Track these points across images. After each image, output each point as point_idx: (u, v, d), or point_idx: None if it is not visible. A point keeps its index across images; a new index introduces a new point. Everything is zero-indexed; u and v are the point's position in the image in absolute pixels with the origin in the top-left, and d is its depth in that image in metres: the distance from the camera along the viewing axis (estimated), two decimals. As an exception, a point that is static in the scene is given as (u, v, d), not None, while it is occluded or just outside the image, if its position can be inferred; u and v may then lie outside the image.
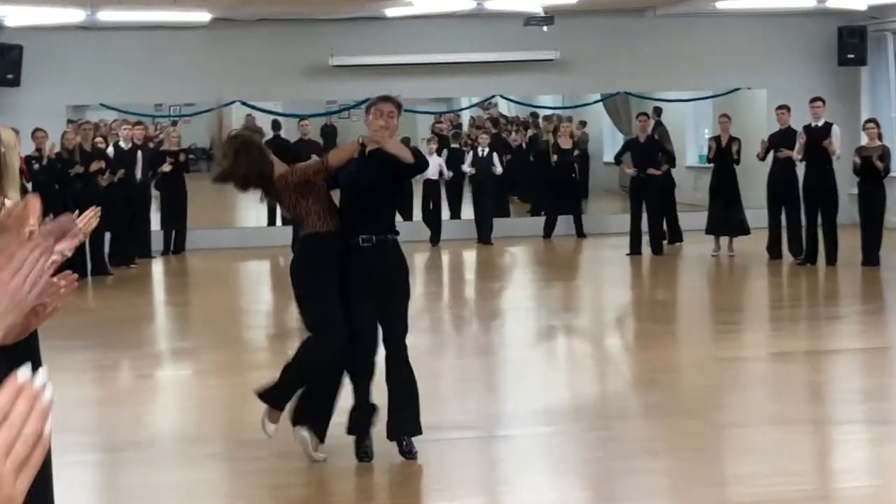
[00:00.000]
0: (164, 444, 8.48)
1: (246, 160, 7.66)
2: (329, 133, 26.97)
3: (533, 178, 22.89)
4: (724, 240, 18.09)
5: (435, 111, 26.67)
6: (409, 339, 7.64)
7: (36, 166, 16.68)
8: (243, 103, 22.02)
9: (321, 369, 7.62)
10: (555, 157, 21.06)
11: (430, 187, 20.43)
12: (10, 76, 19.36)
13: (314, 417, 7.67)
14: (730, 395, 9.74)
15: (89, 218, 4.94)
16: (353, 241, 7.58)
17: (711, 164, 18.41)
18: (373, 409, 7.75)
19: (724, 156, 17.93)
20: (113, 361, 12.07)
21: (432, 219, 20.45)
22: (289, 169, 7.77)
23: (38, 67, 19.68)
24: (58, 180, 16.98)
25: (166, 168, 19.39)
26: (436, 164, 20.01)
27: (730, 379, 10.31)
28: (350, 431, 7.77)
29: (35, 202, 3.29)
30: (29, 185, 14.85)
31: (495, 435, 8.66)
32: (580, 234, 20.87)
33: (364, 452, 7.68)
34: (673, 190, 19.55)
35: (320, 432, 7.72)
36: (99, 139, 18.74)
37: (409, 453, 7.70)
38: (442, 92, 23.61)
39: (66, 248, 4.47)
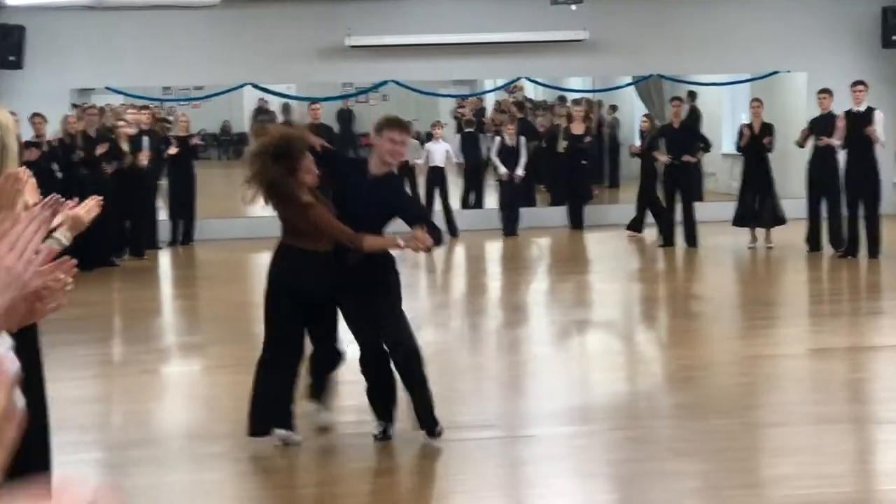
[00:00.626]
0: (171, 442, 8.51)
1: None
2: (345, 118, 26.93)
3: (547, 166, 22.80)
4: (760, 231, 18.05)
5: (457, 94, 26.61)
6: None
7: (37, 152, 16.70)
8: (254, 86, 22.06)
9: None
10: (564, 143, 21.00)
11: (436, 175, 20.28)
12: (11, 58, 19.45)
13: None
14: (765, 394, 9.72)
15: (90, 206, 4.98)
16: (347, 260, 7.86)
17: (743, 154, 18.33)
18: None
19: (756, 144, 17.85)
20: (117, 357, 12.15)
21: (444, 210, 20.27)
22: (321, 211, 7.82)
23: (42, 49, 19.76)
24: (60, 167, 17.05)
25: (172, 151, 19.36)
26: (442, 150, 20.04)
27: (765, 377, 10.29)
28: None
29: (24, 176, 3.31)
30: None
31: (520, 435, 8.65)
32: (576, 224, 20.87)
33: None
34: (655, 179, 19.61)
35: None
36: (122, 123, 18.76)
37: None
38: (464, 74, 23.52)
39: (63, 235, 4.49)
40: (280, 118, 21.45)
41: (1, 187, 3.21)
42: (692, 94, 23.84)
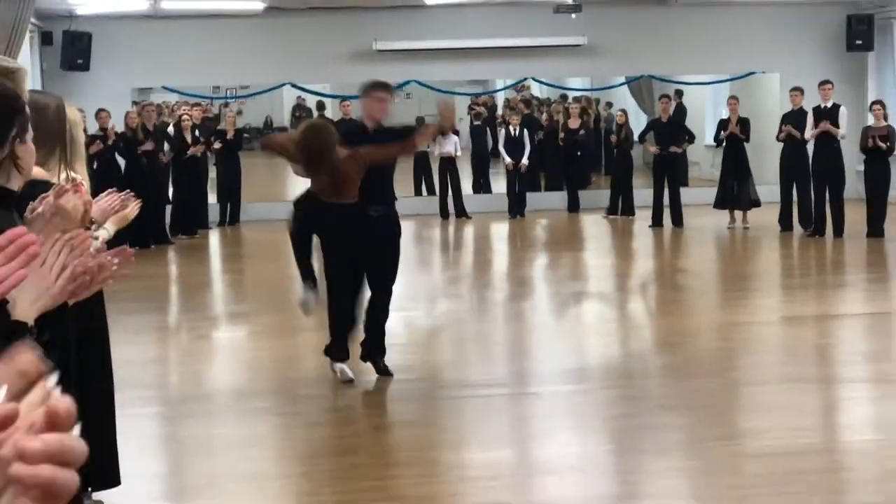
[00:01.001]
0: (219, 398, 8.54)
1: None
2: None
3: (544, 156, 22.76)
4: (738, 213, 18.07)
5: (471, 93, 26.64)
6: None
7: (101, 144, 16.85)
8: (293, 85, 22.08)
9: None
10: (562, 135, 21.06)
11: (447, 164, 20.27)
12: (80, 61, 19.50)
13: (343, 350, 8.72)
14: (743, 357, 9.72)
15: (132, 208, 4.87)
16: (365, 211, 8.47)
17: (723, 145, 18.31)
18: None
19: (734, 136, 17.92)
20: (174, 323, 12.19)
21: (454, 194, 20.32)
22: (365, 151, 8.41)
23: (106, 53, 19.76)
24: (124, 156, 17.21)
25: (216, 146, 19.41)
26: (452, 142, 20.06)
27: (743, 342, 10.28)
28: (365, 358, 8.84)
29: (77, 187, 3.29)
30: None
31: (525, 392, 8.66)
32: (573, 207, 20.84)
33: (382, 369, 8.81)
34: (632, 167, 19.91)
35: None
36: (185, 116, 18.95)
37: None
38: (478, 74, 23.59)
39: (109, 227, 4.59)
40: (315, 113, 21.46)
41: (61, 207, 3.17)
42: (679, 93, 23.79)
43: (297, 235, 8.87)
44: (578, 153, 20.99)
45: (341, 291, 8.52)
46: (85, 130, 14.36)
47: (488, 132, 24.12)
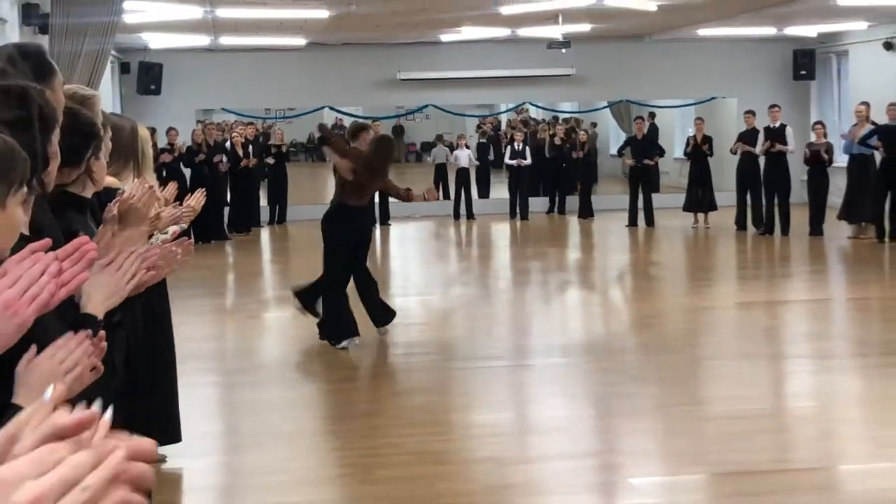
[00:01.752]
0: (268, 370, 8.52)
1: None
2: (398, 131, 27.01)
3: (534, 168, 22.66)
4: (700, 215, 18.01)
5: (479, 115, 26.71)
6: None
7: (170, 156, 16.96)
8: (332, 108, 22.17)
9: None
10: (553, 153, 20.97)
11: (462, 174, 20.22)
12: (153, 87, 19.58)
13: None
14: (704, 336, 9.67)
15: (198, 198, 5.00)
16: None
17: (690, 158, 18.24)
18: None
19: (699, 151, 17.84)
20: (229, 305, 12.17)
21: (466, 199, 20.29)
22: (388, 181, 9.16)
23: (175, 81, 19.79)
24: (189, 167, 17.26)
25: (270, 161, 19.44)
26: (465, 156, 20.07)
27: (704, 323, 10.23)
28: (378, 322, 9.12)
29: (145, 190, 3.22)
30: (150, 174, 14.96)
31: (522, 364, 8.63)
32: (560, 211, 20.73)
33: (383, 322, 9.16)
34: (596, 173, 20.37)
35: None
36: (236, 134, 19.06)
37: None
38: (484, 99, 23.63)
39: (177, 226, 4.54)
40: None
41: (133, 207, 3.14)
42: (652, 114, 23.71)
43: (345, 242, 8.81)
44: (563, 165, 20.86)
45: (346, 282, 8.88)
46: (154, 145, 14.43)
47: (491, 148, 24.10)
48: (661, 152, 19.11)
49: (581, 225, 19.40)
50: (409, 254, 16.69)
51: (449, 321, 10.62)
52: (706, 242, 17.00)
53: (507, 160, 20.61)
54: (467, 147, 20.65)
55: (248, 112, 21.80)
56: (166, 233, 4.32)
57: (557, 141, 20.92)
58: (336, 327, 8.76)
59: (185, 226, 4.64)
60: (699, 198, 17.95)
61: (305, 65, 20.49)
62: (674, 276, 13.68)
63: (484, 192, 22.34)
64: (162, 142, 17.18)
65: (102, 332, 2.14)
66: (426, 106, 21.97)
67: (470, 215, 20.11)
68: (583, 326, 10.36)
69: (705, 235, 17.43)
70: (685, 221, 18.18)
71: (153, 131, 14.39)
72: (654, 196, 18.82)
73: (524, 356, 8.98)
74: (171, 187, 5.12)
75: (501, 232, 18.97)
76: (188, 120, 19.44)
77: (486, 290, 12.74)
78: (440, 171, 21.04)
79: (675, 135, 24.08)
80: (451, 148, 21.45)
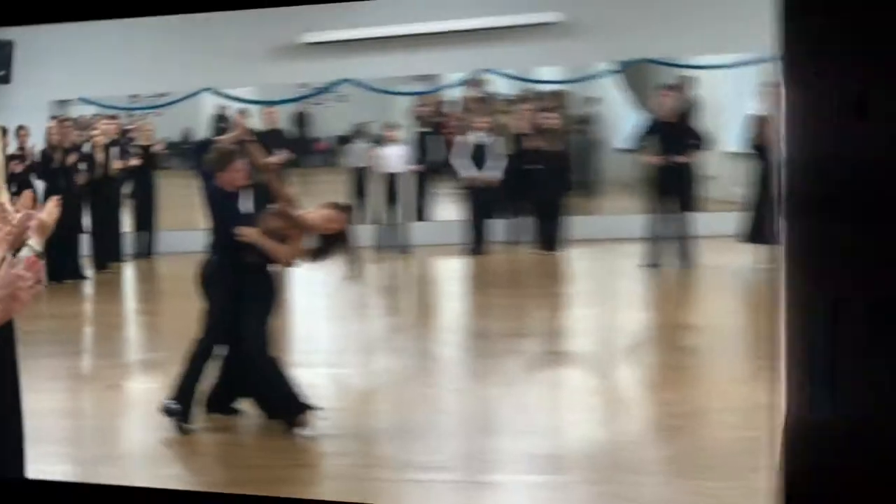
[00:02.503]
0: (133, 460, 8.85)
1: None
2: (303, 124, 27.08)
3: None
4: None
5: (416, 91, 26.50)
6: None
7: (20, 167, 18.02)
8: (214, 91, 22.54)
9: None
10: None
11: (392, 183, 20.57)
12: (2, 73, 20.52)
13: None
14: (774, 451, 9.50)
15: (49, 208, 5.51)
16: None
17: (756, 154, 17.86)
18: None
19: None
20: (86, 370, 12.65)
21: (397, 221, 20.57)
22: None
23: (30, 64, 20.46)
24: (43, 177, 18.28)
25: (134, 162, 20.39)
26: (397, 156, 20.38)
27: (774, 428, 10.07)
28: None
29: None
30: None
31: (479, 480, 8.58)
32: (545, 241, 20.78)
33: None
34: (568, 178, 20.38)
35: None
36: (95, 132, 19.88)
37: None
38: (424, 68, 23.40)
39: (35, 242, 5.15)
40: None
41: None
42: (688, 82, 23.51)
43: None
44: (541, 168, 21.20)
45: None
46: (3, 150, 15.15)
47: (443, 144, 24.36)
48: (702, 143, 18.82)
49: (559, 264, 19.22)
50: (315, 306, 16.64)
51: (371, 407, 10.74)
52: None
53: (460, 169, 20.49)
54: (400, 143, 20.69)
55: (110, 102, 22.33)
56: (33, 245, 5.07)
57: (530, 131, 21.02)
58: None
59: (38, 248, 5.15)
60: (771, 219, 17.63)
61: (178, 35, 20.76)
62: (722, 349, 13.45)
63: (424, 211, 22.31)
64: (12, 146, 18.18)
65: None
66: (341, 82, 22.02)
67: (403, 248, 20.08)
68: (575, 426, 10.28)
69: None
70: (745, 259, 17.66)
71: (3, 132, 15.20)
72: (692, 216, 18.41)
73: (483, 468, 8.96)
74: (27, 197, 5.68)
75: (449, 273, 18.89)
76: (41, 115, 20.17)
77: (427, 361, 12.73)
78: (358, 179, 21.11)
79: (727, 115, 23.86)
80: (377, 143, 21.58)
